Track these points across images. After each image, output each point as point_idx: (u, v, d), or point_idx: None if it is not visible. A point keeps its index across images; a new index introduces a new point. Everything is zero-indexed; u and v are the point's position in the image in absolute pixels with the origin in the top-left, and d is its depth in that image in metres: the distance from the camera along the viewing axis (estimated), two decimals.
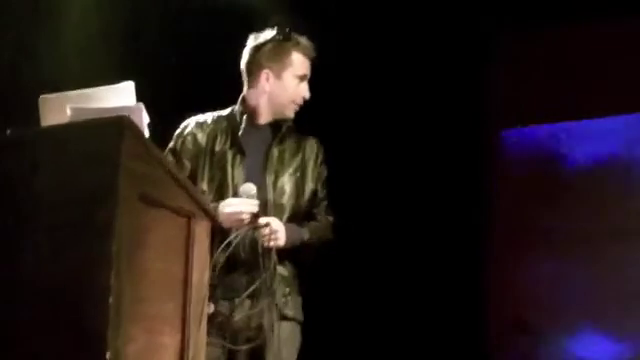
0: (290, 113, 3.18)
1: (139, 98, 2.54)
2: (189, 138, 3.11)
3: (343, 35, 4.45)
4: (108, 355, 2.04)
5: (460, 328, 4.42)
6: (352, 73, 4.57)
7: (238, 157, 3.08)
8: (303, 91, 3.18)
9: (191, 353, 2.37)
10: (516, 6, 4.44)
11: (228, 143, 3.11)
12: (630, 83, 4.33)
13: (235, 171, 3.07)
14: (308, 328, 3.10)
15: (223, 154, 3.09)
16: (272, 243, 2.95)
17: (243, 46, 3.21)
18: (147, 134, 2.53)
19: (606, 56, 4.42)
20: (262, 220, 2.95)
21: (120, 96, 2.51)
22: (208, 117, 3.19)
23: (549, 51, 4.58)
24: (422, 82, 4.59)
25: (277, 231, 2.96)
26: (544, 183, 4.56)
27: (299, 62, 3.17)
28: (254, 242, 2.96)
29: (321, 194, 3.20)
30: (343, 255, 4.27)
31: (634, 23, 4.32)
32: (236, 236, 2.90)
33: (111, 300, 2.06)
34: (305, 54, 3.18)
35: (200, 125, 3.15)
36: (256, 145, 3.14)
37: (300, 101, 3.19)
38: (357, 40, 4.55)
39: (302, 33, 3.20)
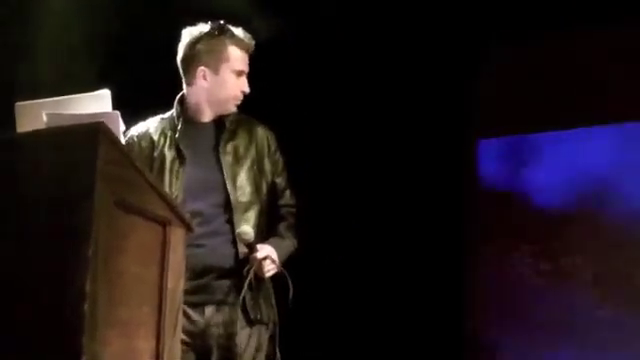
0: (232, 108, 3.08)
1: (116, 106, 2.56)
2: (135, 148, 3.00)
3: (333, 40, 4.48)
4: (84, 359, 2.05)
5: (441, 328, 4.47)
6: (337, 79, 4.60)
7: (177, 161, 3.00)
8: (242, 86, 3.05)
9: (166, 358, 2.38)
10: (501, 16, 4.47)
11: (166, 147, 3.03)
12: (616, 93, 4.37)
13: (173, 175, 2.98)
14: (289, 329, 3.09)
15: (162, 159, 3.01)
16: (270, 273, 2.96)
17: None
18: (123, 141, 2.55)
19: (592, 65, 4.46)
20: (260, 254, 2.92)
21: (96, 103, 2.52)
22: (148, 123, 3.11)
23: (534, 61, 4.61)
24: (406, 91, 4.63)
25: (274, 260, 2.95)
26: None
27: (235, 56, 3.03)
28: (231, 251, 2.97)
29: (282, 184, 3.13)
30: (338, 254, 4.31)
31: (621, 32, 4.36)
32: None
33: (87, 304, 2.07)
34: (242, 47, 3.04)
35: (142, 132, 3.07)
36: (203, 144, 3.06)
37: (240, 96, 3.07)
38: (345, 46, 4.56)
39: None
